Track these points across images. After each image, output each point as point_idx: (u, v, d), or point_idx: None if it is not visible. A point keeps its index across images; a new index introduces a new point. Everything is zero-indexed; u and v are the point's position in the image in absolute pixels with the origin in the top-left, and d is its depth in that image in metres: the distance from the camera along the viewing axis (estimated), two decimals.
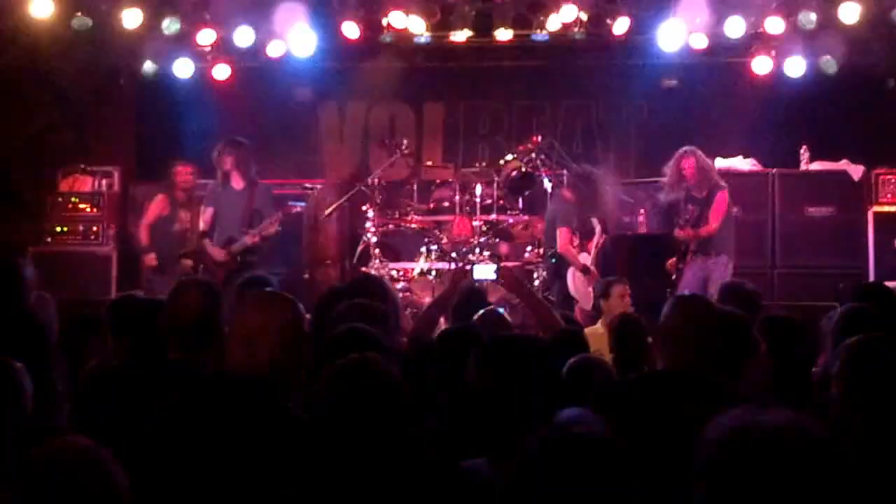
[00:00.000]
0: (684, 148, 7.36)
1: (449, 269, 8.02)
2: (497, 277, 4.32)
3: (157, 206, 8.04)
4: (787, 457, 1.57)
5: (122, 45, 8.24)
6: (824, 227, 8.26)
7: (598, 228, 7.32)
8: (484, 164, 9.10)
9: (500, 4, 8.22)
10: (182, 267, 7.59)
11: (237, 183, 7.46)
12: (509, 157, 8.62)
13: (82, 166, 8.98)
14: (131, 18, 8.01)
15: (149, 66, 8.71)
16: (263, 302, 3.03)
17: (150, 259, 7.92)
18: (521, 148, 8.58)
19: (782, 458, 1.57)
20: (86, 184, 8.94)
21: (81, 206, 8.75)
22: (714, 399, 2.85)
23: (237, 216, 7.39)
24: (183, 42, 8.44)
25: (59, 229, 8.67)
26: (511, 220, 8.49)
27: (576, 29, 8.21)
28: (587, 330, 5.34)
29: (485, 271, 4.28)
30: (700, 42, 8.26)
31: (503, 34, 8.47)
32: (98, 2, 7.95)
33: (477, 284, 7.41)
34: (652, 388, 2.94)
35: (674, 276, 7.18)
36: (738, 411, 1.65)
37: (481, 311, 4.10)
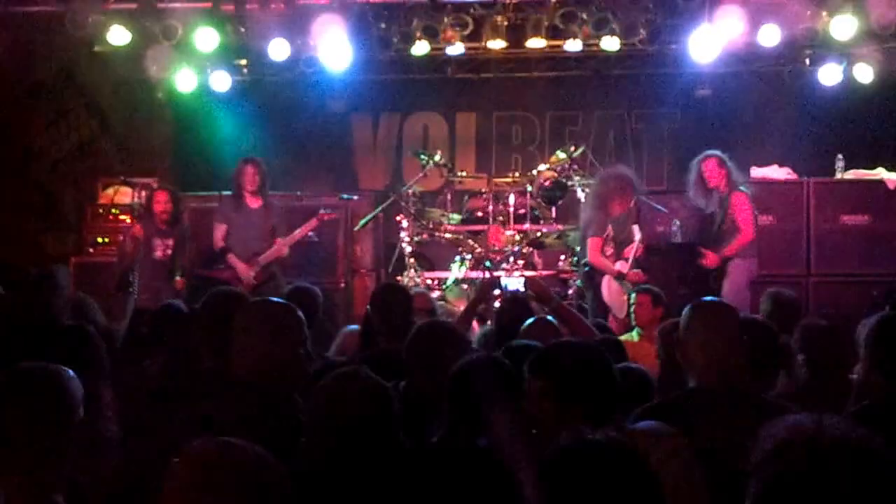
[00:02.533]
0: (704, 153, 7.35)
1: (483, 279, 8.07)
2: (525, 289, 4.34)
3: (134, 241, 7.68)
4: (848, 466, 1.58)
5: (159, 59, 8.37)
6: (859, 236, 8.20)
7: (637, 236, 7.31)
8: (517, 173, 9.13)
9: (533, 15, 8.25)
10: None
11: (253, 201, 7.56)
12: (542, 166, 8.65)
13: (122, 178, 9.14)
14: (169, 33, 8.16)
15: (186, 80, 8.85)
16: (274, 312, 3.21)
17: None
18: (553, 158, 8.61)
19: (842, 467, 1.58)
20: (125, 195, 9.08)
21: (122, 217, 8.91)
22: (755, 413, 2.85)
23: (255, 233, 7.47)
24: (219, 55, 8.56)
25: (99, 240, 8.83)
26: (544, 230, 8.52)
27: (608, 38, 8.22)
28: (621, 338, 5.36)
29: (513, 283, 4.32)
30: (734, 50, 8.25)
31: (536, 45, 8.50)
32: (135, 16, 8.08)
33: (520, 294, 7.47)
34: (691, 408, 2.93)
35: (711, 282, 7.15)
36: (797, 417, 1.67)
37: (531, 320, 4.13)
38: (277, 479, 1.96)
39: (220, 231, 7.56)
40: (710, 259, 7.18)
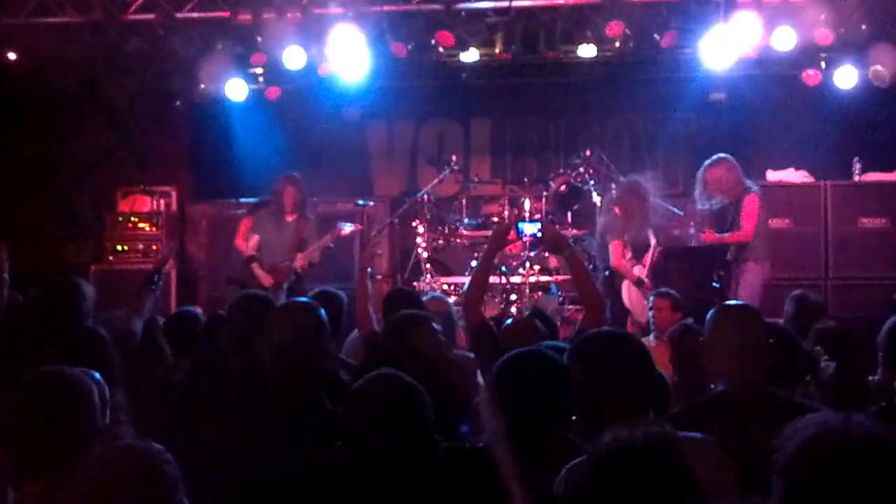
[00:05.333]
0: (711, 158, 7.28)
1: (499, 284, 8.10)
2: (542, 234, 4.32)
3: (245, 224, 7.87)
4: (879, 464, 1.57)
5: (178, 68, 8.45)
6: (877, 239, 8.18)
7: (653, 241, 7.32)
8: (532, 178, 9.14)
9: (547, 21, 8.27)
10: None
11: (289, 215, 7.69)
12: (557, 172, 8.67)
13: (141, 186, 9.22)
14: (185, 42, 8.24)
15: (203, 89, 8.92)
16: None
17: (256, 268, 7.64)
18: (568, 162, 8.62)
19: (873, 465, 1.57)
20: (144, 203, 9.18)
21: (141, 225, 9.00)
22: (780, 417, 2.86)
23: (285, 246, 7.60)
24: (236, 64, 8.63)
25: (119, 248, 8.92)
26: None
27: (622, 44, 8.23)
28: None
29: (529, 228, 4.29)
30: (749, 54, 8.23)
31: (549, 50, 8.52)
32: (154, 26, 8.16)
33: (540, 303, 7.50)
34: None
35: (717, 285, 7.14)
36: (824, 415, 1.67)
37: (510, 320, 4.17)
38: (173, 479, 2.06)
39: (252, 241, 7.65)
40: (706, 235, 7.15)
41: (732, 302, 3.38)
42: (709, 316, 3.13)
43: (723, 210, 7.31)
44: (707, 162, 7.29)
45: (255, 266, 7.55)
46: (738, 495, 2.48)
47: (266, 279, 7.51)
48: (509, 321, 4.17)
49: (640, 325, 6.81)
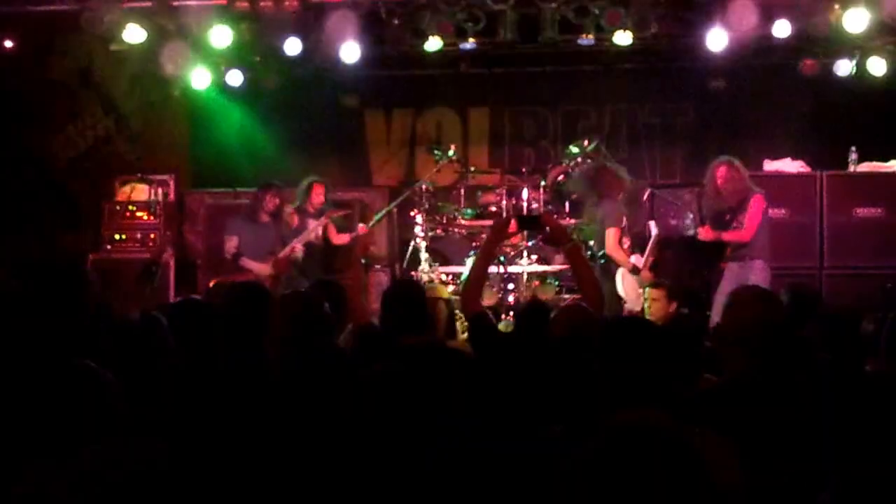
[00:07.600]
0: (718, 158, 7.28)
1: (497, 274, 8.12)
2: (541, 227, 4.28)
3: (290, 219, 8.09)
4: None
5: (174, 57, 8.44)
6: (873, 229, 8.21)
7: (654, 232, 7.33)
8: (530, 168, 9.15)
9: (545, 9, 8.26)
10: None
11: (264, 218, 7.84)
12: (556, 161, 8.68)
13: (139, 175, 9.23)
14: (184, 31, 8.23)
15: (201, 77, 8.91)
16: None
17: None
18: (566, 152, 8.62)
19: None
20: (142, 192, 9.18)
21: (139, 214, 9.00)
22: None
23: (266, 244, 7.75)
24: (234, 53, 8.62)
25: (117, 237, 8.92)
26: None
27: (621, 32, 8.22)
28: None
29: (527, 221, 4.28)
30: (747, 44, 8.24)
31: (548, 39, 8.51)
32: (151, 14, 8.14)
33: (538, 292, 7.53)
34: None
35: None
36: None
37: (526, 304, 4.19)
38: None
39: (231, 242, 7.77)
40: (704, 232, 7.16)
41: (746, 286, 3.35)
42: (724, 302, 3.14)
43: (722, 209, 7.28)
44: (716, 161, 7.26)
45: (244, 260, 7.61)
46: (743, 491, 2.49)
47: (261, 268, 7.55)
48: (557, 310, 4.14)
49: (634, 314, 6.83)
